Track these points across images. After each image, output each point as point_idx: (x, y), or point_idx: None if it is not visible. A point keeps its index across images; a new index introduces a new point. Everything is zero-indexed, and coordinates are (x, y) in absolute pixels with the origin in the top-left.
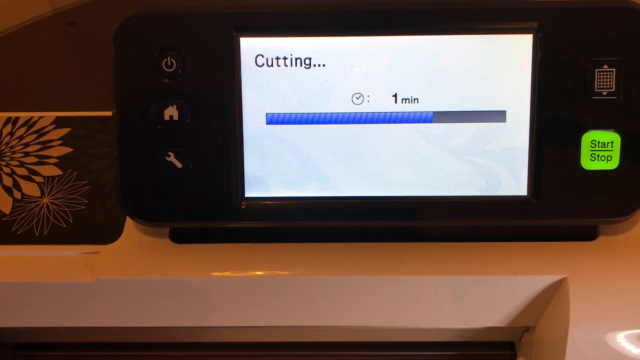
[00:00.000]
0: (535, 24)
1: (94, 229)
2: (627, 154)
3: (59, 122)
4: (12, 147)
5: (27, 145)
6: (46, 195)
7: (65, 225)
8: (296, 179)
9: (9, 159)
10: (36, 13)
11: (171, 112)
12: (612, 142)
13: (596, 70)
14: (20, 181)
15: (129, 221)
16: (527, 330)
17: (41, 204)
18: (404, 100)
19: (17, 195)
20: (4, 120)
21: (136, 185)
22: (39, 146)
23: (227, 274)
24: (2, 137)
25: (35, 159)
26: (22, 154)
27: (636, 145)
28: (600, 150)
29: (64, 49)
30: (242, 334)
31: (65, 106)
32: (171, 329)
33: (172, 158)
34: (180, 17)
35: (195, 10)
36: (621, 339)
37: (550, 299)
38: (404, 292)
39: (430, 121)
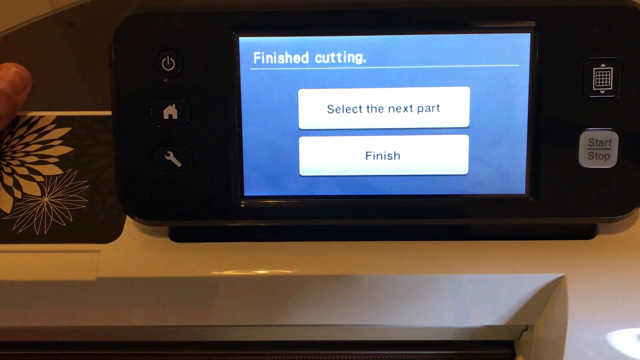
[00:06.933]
0: (533, 23)
1: (94, 228)
2: (625, 152)
3: (59, 122)
4: (12, 146)
5: (27, 144)
6: (46, 195)
7: (65, 224)
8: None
9: (9, 158)
10: (36, 13)
11: (170, 111)
12: (610, 141)
13: (594, 68)
14: (21, 180)
15: (129, 220)
16: (526, 329)
17: (41, 203)
18: None
19: (18, 194)
20: None
21: (136, 184)
22: (40, 146)
23: (226, 272)
24: (3, 136)
25: (36, 159)
26: (23, 154)
27: (634, 143)
28: (598, 148)
29: (64, 49)
30: (243, 333)
31: (65, 106)
32: (171, 328)
33: (171, 157)
34: (179, 16)
35: (194, 9)
36: (619, 338)
37: (549, 298)
38: (403, 291)
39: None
